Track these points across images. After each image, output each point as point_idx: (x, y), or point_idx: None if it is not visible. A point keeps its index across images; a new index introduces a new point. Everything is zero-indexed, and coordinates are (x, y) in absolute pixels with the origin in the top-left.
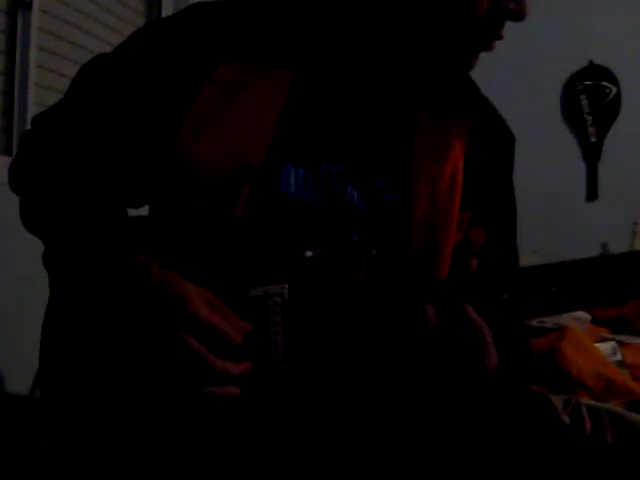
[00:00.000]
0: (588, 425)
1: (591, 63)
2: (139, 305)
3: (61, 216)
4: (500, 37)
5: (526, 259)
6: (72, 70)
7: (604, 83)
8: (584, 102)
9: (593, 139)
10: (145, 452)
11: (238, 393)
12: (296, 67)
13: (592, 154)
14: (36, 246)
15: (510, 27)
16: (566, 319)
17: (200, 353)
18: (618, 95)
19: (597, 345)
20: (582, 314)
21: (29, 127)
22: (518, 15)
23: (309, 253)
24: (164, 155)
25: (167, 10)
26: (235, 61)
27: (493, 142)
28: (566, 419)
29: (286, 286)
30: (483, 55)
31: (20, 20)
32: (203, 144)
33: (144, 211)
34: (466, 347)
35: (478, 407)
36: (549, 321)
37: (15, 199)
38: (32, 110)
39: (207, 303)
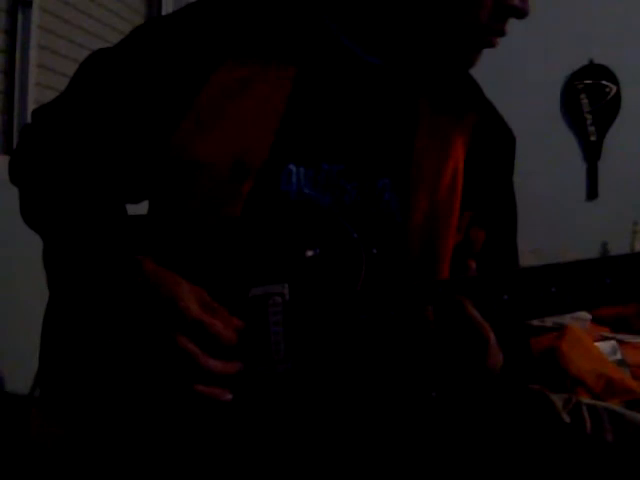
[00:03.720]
0: (588, 424)
1: (591, 62)
2: (132, 303)
3: (59, 212)
4: (503, 33)
5: (526, 259)
6: (72, 69)
7: (604, 82)
8: (584, 101)
9: (593, 138)
10: (144, 450)
11: (229, 398)
12: (298, 65)
13: (592, 154)
14: (36, 246)
15: (510, 27)
16: (566, 318)
17: (191, 351)
18: (618, 94)
19: (597, 344)
20: (582, 313)
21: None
22: (521, 12)
23: (309, 252)
24: (164, 152)
25: (167, 9)
26: (237, 59)
27: (494, 143)
28: (566, 418)
29: (287, 286)
30: (484, 55)
31: (20, 19)
32: (204, 141)
33: (143, 208)
34: (468, 347)
35: (479, 407)
36: (549, 320)
37: (15, 199)
38: (32, 109)
39: (199, 302)
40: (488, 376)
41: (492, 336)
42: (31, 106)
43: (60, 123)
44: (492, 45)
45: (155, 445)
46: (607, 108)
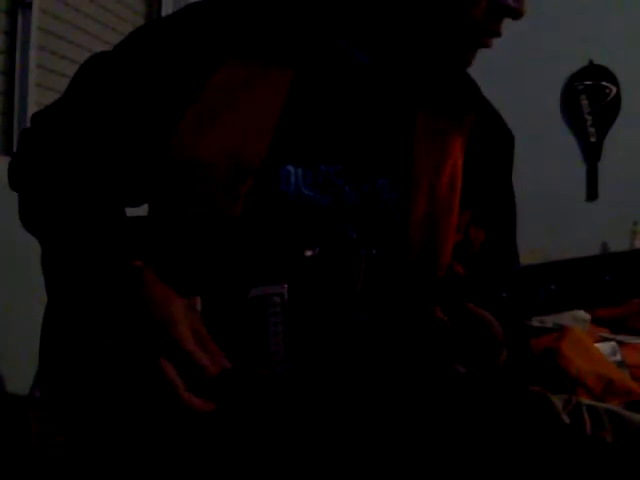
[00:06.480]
0: (588, 425)
1: (591, 63)
2: (128, 317)
3: (58, 216)
4: (498, 34)
5: (526, 259)
6: (72, 70)
7: (604, 83)
8: (584, 102)
9: (593, 139)
10: (144, 451)
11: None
12: (296, 66)
13: (592, 154)
14: (36, 246)
15: (510, 27)
16: (566, 319)
17: (172, 382)
18: (618, 95)
19: (597, 345)
20: (582, 314)
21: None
22: (516, 12)
23: (309, 253)
24: (163, 154)
25: (167, 10)
26: (236, 60)
27: (492, 141)
28: (566, 419)
29: (286, 286)
30: (484, 55)
31: (20, 20)
32: (203, 143)
33: (143, 210)
34: (481, 344)
35: (477, 407)
36: (549, 321)
37: (15, 199)
38: (32, 110)
39: (192, 331)
40: (496, 371)
41: (501, 331)
42: (31, 107)
43: (59, 127)
44: (487, 45)
45: (153, 446)
46: (607, 109)
